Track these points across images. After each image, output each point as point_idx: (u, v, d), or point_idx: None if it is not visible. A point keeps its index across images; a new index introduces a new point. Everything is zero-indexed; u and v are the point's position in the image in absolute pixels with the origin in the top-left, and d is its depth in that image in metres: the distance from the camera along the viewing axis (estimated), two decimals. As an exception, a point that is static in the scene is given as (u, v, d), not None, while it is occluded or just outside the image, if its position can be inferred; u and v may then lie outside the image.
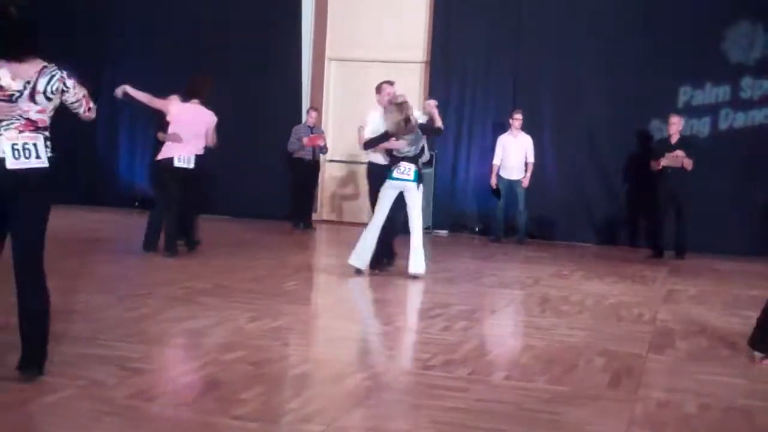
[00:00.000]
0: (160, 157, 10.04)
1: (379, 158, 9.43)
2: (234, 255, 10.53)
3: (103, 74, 15.58)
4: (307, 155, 14.23)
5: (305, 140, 14.09)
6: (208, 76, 10.75)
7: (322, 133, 14.58)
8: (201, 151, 10.11)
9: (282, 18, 15.48)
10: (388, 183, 9.11)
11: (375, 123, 9.41)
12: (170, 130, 9.97)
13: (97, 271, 8.76)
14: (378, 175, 9.36)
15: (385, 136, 9.11)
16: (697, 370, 5.73)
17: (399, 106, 8.94)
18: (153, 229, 10.27)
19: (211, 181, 10.82)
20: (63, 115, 4.96)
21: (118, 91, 9.86)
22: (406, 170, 9.02)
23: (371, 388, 4.97)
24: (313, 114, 14.47)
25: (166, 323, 6.42)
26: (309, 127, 14.32)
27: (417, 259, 9.18)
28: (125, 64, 15.72)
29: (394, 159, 9.12)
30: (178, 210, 10.06)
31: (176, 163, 9.85)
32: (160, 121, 10.35)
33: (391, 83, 9.64)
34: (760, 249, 13.14)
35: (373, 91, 9.77)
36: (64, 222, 13.69)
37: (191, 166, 9.96)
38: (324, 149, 14.41)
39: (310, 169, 14.39)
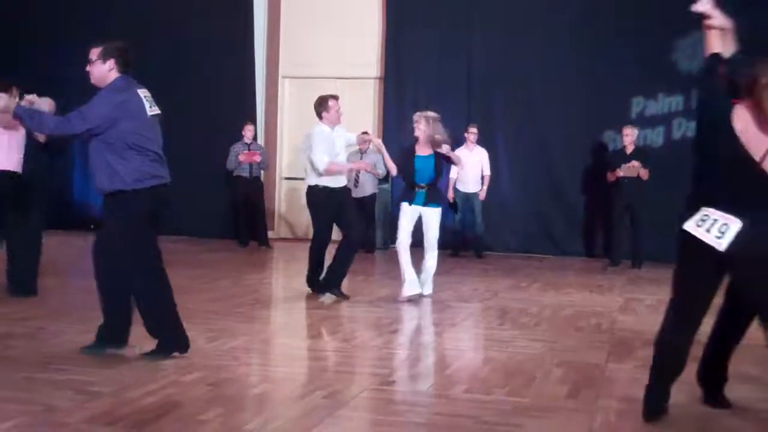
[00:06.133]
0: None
1: (327, 180, 8.97)
2: (189, 275, 10.42)
3: (57, 92, 15.48)
4: (245, 172, 14.17)
5: (241, 157, 14.04)
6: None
7: (261, 148, 14.53)
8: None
9: (234, 36, 15.45)
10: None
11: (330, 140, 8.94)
12: None
13: (50, 296, 8.64)
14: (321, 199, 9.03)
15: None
16: (656, 378, 5.75)
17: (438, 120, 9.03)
18: None
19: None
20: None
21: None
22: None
23: (331, 406, 4.94)
24: (250, 129, 14.39)
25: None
26: (246, 143, 14.25)
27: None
28: (76, 81, 15.58)
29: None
30: None
31: None
32: None
33: (335, 98, 9.03)
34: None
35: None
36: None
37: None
38: (263, 164, 14.33)
39: (251, 187, 14.28)
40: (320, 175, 8.87)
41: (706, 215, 4.42)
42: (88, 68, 6.02)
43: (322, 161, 8.80)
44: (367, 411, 5.00)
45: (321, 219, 9.08)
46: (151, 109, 5.98)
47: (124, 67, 5.99)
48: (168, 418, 4.58)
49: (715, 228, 4.37)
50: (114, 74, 5.96)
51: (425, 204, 8.92)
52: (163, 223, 6.22)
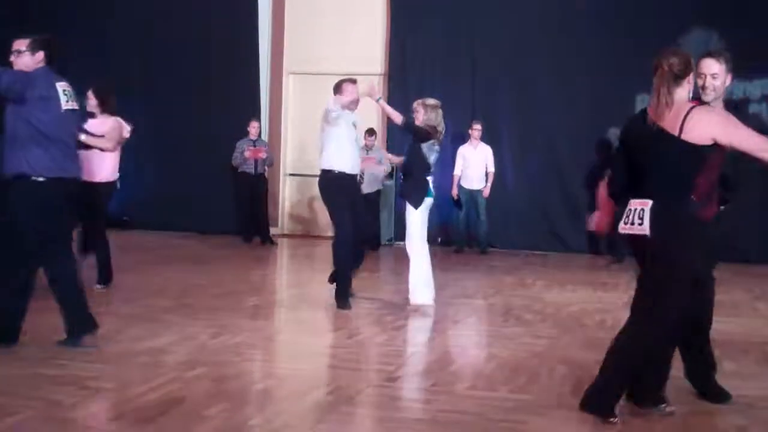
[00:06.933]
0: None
1: (344, 166, 8.32)
2: (193, 271, 10.44)
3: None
4: (249, 169, 14.15)
5: (247, 153, 14.05)
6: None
7: (266, 145, 14.53)
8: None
9: (238, 32, 15.42)
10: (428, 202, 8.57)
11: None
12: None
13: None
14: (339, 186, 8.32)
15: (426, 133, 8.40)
16: (660, 376, 5.74)
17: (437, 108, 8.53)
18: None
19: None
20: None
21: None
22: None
23: (335, 402, 4.94)
24: (255, 125, 14.38)
25: (126, 342, 6.34)
26: (251, 140, 14.24)
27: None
28: (75, 74, 15.56)
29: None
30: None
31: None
32: None
33: (353, 81, 8.50)
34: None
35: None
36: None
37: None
38: (268, 161, 14.32)
39: (255, 183, 14.25)
40: (330, 117, 8.16)
41: (629, 209, 4.64)
42: (12, 59, 6.01)
43: (330, 103, 8.18)
44: (371, 407, 5.00)
45: (338, 207, 8.28)
46: (68, 104, 5.99)
47: (50, 59, 6.03)
48: (172, 413, 4.59)
49: (636, 216, 4.58)
50: (40, 66, 5.99)
51: (400, 194, 8.59)
52: (68, 217, 6.19)
